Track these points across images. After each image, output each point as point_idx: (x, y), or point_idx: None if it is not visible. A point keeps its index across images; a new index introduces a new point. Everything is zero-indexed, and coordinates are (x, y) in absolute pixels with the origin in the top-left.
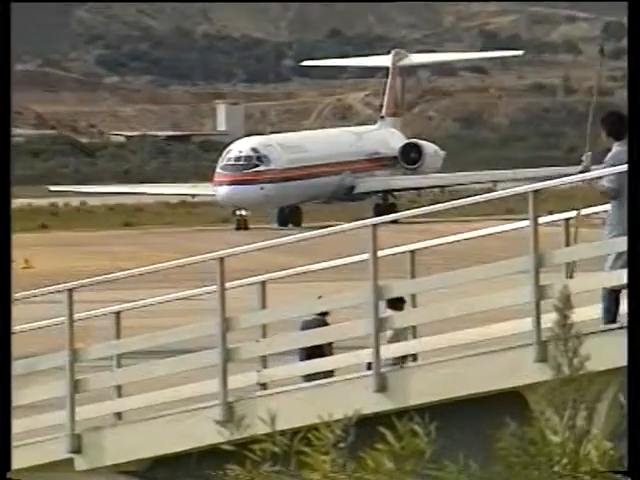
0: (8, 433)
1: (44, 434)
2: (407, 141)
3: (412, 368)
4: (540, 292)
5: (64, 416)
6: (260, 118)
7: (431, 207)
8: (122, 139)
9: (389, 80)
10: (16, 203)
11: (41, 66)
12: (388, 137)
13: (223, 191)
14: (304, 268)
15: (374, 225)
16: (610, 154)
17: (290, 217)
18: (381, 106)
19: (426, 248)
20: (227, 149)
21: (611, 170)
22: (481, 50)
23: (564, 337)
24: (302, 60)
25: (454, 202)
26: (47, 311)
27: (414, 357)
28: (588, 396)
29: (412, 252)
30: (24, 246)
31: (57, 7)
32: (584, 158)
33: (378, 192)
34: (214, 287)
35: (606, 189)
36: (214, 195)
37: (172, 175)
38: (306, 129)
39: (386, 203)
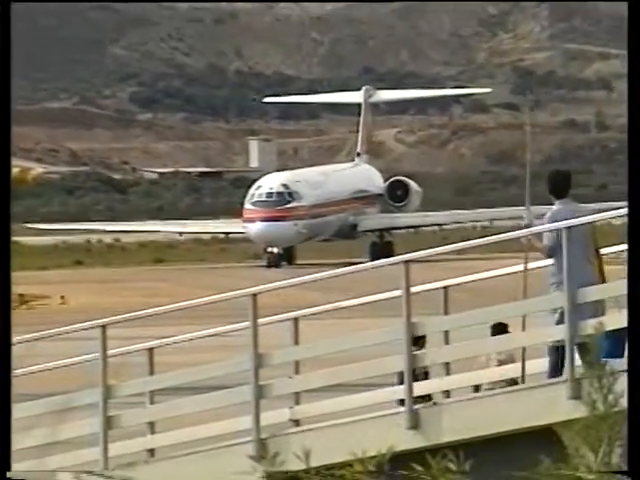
0: (8, 433)
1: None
2: (394, 178)
3: (445, 405)
4: (573, 329)
5: (97, 452)
6: (292, 155)
7: (464, 243)
8: (155, 176)
9: (362, 117)
10: (51, 240)
11: (76, 104)
12: (370, 174)
13: (256, 228)
14: (337, 305)
15: (406, 262)
16: (550, 212)
17: (284, 256)
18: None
19: (457, 285)
20: (256, 185)
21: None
22: (515, 87)
23: (598, 374)
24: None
25: (487, 239)
26: (80, 348)
27: (447, 393)
28: (623, 433)
29: (445, 288)
30: (60, 282)
31: (92, 44)
32: (525, 215)
33: (382, 230)
34: (247, 323)
35: (542, 247)
36: (244, 233)
37: (204, 212)
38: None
39: (383, 241)
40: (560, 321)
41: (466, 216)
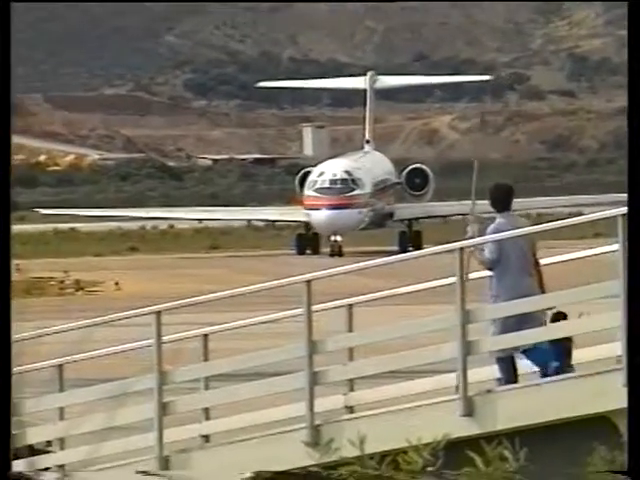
0: (8, 433)
1: (134, 456)
2: (412, 166)
3: (500, 392)
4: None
5: (153, 438)
6: (345, 142)
7: (516, 231)
8: (209, 162)
9: (368, 102)
10: (106, 226)
11: (131, 90)
12: (385, 162)
13: (322, 215)
14: (391, 291)
15: (461, 249)
16: (492, 225)
17: (309, 244)
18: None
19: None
20: (317, 171)
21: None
22: (571, 74)
23: None
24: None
25: (542, 226)
26: (136, 334)
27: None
28: None
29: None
30: (115, 268)
31: (146, 32)
32: (469, 229)
33: (417, 219)
34: (301, 310)
35: (484, 260)
36: (299, 220)
37: (258, 198)
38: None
39: (411, 230)
40: (500, 332)
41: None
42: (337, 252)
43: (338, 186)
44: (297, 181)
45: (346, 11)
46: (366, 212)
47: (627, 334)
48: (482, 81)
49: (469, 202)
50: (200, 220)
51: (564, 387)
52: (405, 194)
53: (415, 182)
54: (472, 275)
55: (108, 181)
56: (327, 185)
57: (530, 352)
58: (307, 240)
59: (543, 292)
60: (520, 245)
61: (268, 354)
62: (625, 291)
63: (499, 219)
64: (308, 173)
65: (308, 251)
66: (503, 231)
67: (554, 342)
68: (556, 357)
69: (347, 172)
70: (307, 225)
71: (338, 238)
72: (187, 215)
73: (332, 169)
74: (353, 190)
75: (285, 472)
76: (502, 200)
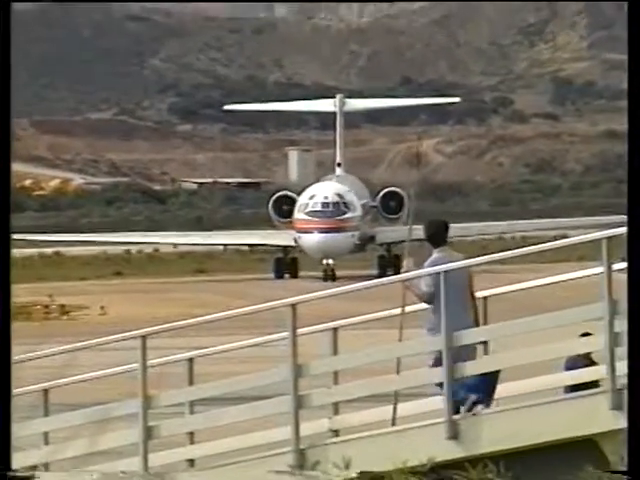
0: (8, 433)
1: None
2: (387, 189)
3: (485, 415)
4: (615, 339)
5: (137, 463)
6: (331, 165)
7: (501, 254)
8: (194, 186)
9: (338, 126)
10: (91, 250)
11: (116, 115)
12: (361, 185)
13: (314, 239)
14: (375, 315)
15: (445, 272)
16: (429, 260)
17: (287, 268)
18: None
19: (498, 295)
20: (308, 194)
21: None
22: (554, 97)
23: None
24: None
25: (525, 249)
26: (121, 358)
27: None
28: None
29: (485, 299)
30: (100, 293)
31: (131, 56)
32: (404, 264)
33: (400, 242)
34: (285, 334)
35: (422, 293)
36: (280, 245)
37: (243, 222)
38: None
39: (390, 254)
40: (436, 364)
41: (491, 228)
42: (330, 276)
43: (330, 209)
44: (270, 206)
45: (330, 33)
46: (358, 235)
47: (629, 337)
48: (454, 103)
49: (454, 225)
50: (176, 245)
51: (550, 410)
52: (380, 218)
53: (390, 205)
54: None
55: (93, 205)
56: (319, 208)
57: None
58: (285, 264)
59: (477, 325)
60: (458, 279)
61: (253, 378)
62: (628, 299)
63: (436, 254)
64: (282, 197)
65: (286, 275)
66: (440, 264)
67: (482, 375)
68: (478, 390)
69: (339, 195)
70: (285, 249)
71: (330, 262)
72: (169, 240)
73: (323, 192)
74: (345, 213)
75: None
76: (438, 235)
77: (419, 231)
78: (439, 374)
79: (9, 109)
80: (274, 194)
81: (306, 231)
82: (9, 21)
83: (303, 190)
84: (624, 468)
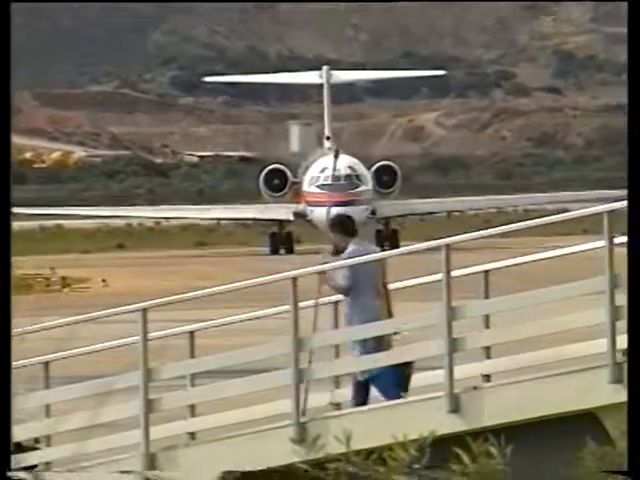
0: (8, 433)
1: (120, 453)
2: (380, 163)
3: (486, 389)
4: (615, 313)
5: (139, 435)
6: (333, 139)
7: (505, 227)
8: (195, 159)
9: (325, 98)
10: (93, 223)
11: (117, 88)
12: (348, 158)
13: (327, 212)
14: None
15: (447, 245)
16: (347, 251)
17: (283, 244)
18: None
19: (499, 269)
20: (318, 167)
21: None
22: (557, 71)
23: None
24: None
25: (528, 222)
26: (123, 331)
27: (488, 378)
28: None
29: (486, 272)
30: (102, 265)
31: (133, 30)
32: (320, 257)
33: (400, 216)
34: (287, 307)
35: (338, 285)
36: (277, 219)
37: (245, 196)
38: (381, 150)
39: (388, 229)
40: (365, 352)
41: (484, 202)
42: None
43: (343, 182)
44: (262, 179)
45: (333, 10)
46: (371, 209)
47: (629, 333)
48: (440, 76)
49: (452, 199)
50: (169, 219)
51: (550, 384)
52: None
53: (383, 180)
54: (455, 273)
55: (94, 178)
56: (331, 181)
57: (374, 378)
58: (280, 240)
59: (391, 316)
60: (371, 270)
61: (254, 351)
62: (628, 298)
63: (351, 246)
64: (274, 171)
65: (282, 251)
66: (357, 257)
67: (396, 367)
68: (397, 382)
69: (351, 168)
70: (281, 224)
71: None
72: (165, 214)
73: (335, 165)
74: (358, 186)
75: (261, 471)
76: (349, 229)
77: (422, 205)
78: (367, 363)
79: (9, 107)
80: (264, 168)
81: (318, 204)
82: (9, 21)
83: (299, 165)
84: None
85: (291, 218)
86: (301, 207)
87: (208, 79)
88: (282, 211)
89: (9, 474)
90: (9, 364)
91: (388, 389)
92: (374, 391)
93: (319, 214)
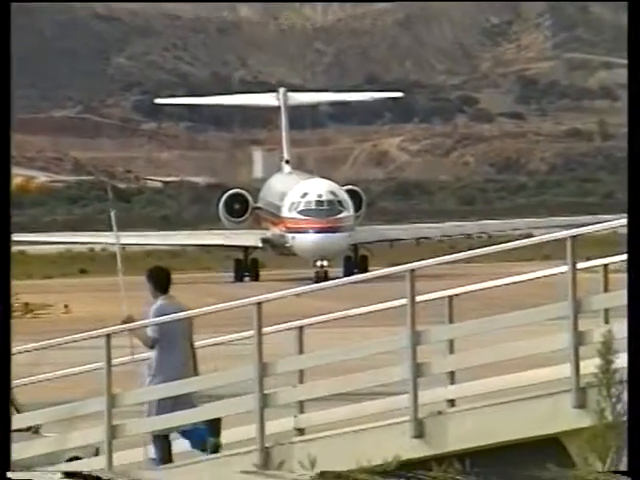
0: (8, 433)
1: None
2: (345, 188)
3: (450, 414)
4: (579, 338)
5: (102, 461)
6: (297, 164)
7: (469, 252)
8: (159, 185)
9: (283, 120)
10: (55, 249)
11: (80, 112)
12: (329, 183)
13: (310, 239)
14: (342, 313)
15: (412, 270)
16: (154, 306)
17: (247, 271)
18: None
19: (464, 293)
20: (298, 192)
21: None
22: (519, 96)
23: (607, 383)
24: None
25: (492, 247)
26: (86, 357)
27: (452, 403)
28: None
29: (450, 297)
30: (64, 291)
31: (96, 54)
32: (124, 307)
33: (369, 243)
34: (251, 332)
35: (146, 338)
36: (242, 245)
37: (211, 221)
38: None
39: (357, 255)
40: (157, 412)
41: (460, 229)
42: (323, 278)
43: (325, 207)
44: (221, 204)
45: (295, 32)
46: (352, 235)
47: (628, 335)
48: (396, 98)
49: (425, 225)
50: (125, 245)
51: (514, 409)
52: None
53: None
54: (420, 298)
55: (57, 203)
56: (314, 207)
57: (188, 432)
58: (246, 267)
59: (197, 373)
60: (178, 327)
61: (218, 376)
62: (628, 299)
63: (160, 301)
64: (235, 195)
65: (246, 278)
66: (166, 312)
67: (208, 420)
68: (212, 433)
69: (332, 193)
70: (246, 250)
71: (325, 263)
72: (130, 240)
73: (316, 190)
74: (341, 212)
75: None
76: (162, 283)
77: (391, 231)
78: (162, 423)
79: (9, 110)
80: (224, 193)
81: (299, 231)
82: (9, 21)
83: (259, 189)
84: (599, 468)
85: (259, 245)
86: (270, 233)
87: (160, 101)
88: (249, 237)
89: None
90: (9, 365)
91: (204, 440)
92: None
93: (301, 241)
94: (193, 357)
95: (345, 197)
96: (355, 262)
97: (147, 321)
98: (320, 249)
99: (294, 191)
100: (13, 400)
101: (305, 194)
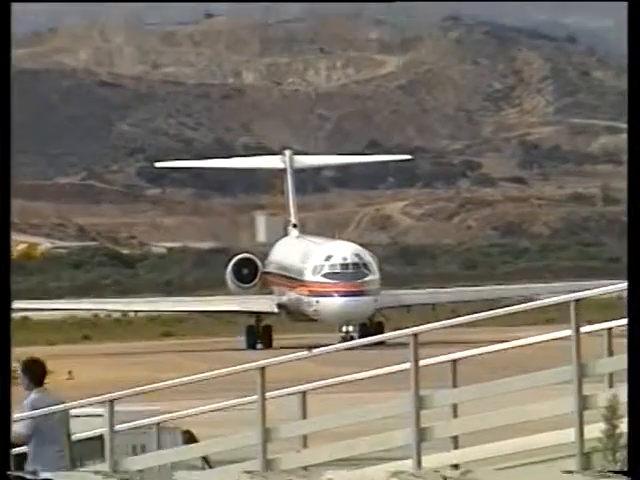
0: (8, 434)
1: None
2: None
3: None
4: (583, 402)
5: None
6: (300, 229)
7: (471, 316)
8: (163, 250)
9: (289, 183)
10: (59, 315)
11: (84, 179)
12: (353, 245)
13: (336, 303)
14: (343, 378)
15: (415, 335)
16: (28, 400)
17: (260, 338)
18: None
19: (466, 358)
20: (322, 254)
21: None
22: (522, 161)
23: (612, 447)
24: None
25: (494, 311)
26: (90, 424)
27: (456, 467)
28: None
29: (454, 362)
30: (68, 357)
31: (99, 121)
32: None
33: (388, 308)
34: (255, 397)
35: (19, 434)
36: (254, 311)
37: (214, 286)
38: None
39: (372, 321)
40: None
41: (474, 294)
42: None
43: (350, 271)
44: (229, 269)
45: (298, 98)
46: (379, 300)
47: (628, 342)
48: (407, 160)
49: (437, 290)
50: (137, 311)
51: (518, 474)
52: None
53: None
54: (423, 362)
55: (61, 269)
56: (339, 270)
57: None
58: (258, 333)
59: (73, 465)
60: (54, 421)
61: (222, 442)
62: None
63: (34, 395)
64: (243, 260)
65: (259, 346)
66: (40, 406)
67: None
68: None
69: (357, 255)
70: (258, 317)
71: (350, 328)
72: (137, 307)
73: (341, 252)
74: (367, 275)
75: None
76: (37, 376)
77: (410, 296)
78: None
79: (9, 114)
80: (233, 257)
81: (324, 294)
82: (9, 21)
83: (267, 255)
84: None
85: (275, 310)
86: (286, 298)
87: (161, 164)
88: (264, 302)
89: (9, 474)
90: (9, 366)
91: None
92: None
93: (326, 305)
94: (69, 449)
95: (370, 260)
96: (370, 329)
97: (23, 414)
98: (346, 313)
99: (316, 254)
100: None
101: (329, 257)
